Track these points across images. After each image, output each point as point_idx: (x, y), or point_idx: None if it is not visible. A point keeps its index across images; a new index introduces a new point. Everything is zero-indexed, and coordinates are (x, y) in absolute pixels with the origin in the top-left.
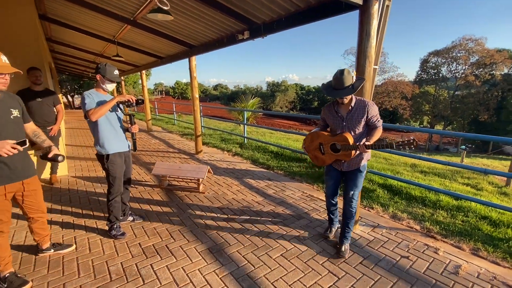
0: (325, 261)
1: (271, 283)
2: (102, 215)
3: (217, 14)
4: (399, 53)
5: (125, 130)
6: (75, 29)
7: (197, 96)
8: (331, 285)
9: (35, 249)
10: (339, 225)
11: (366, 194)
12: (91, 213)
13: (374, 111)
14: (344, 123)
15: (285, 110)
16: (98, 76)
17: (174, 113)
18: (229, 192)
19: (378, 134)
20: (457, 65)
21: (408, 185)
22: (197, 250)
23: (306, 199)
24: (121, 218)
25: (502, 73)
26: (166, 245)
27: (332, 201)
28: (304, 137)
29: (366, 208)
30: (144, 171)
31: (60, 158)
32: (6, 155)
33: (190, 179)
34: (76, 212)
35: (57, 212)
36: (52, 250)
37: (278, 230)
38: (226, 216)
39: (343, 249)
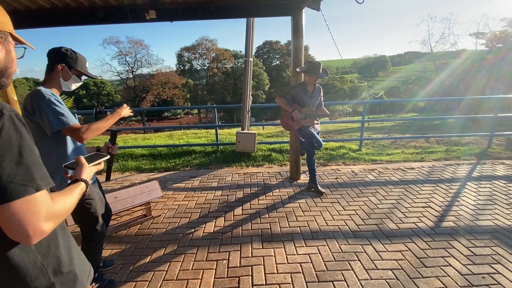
0: (321, 198)
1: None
2: None
3: None
4: (162, 45)
5: (97, 149)
6: None
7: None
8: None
9: None
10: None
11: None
12: None
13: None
14: (311, 99)
15: None
16: (60, 66)
17: None
18: (186, 205)
19: (324, 108)
20: (204, 60)
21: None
22: None
23: (259, 176)
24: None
25: (231, 66)
26: None
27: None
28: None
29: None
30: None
31: None
32: None
33: (138, 207)
34: None
35: None
36: None
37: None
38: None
39: (320, 188)
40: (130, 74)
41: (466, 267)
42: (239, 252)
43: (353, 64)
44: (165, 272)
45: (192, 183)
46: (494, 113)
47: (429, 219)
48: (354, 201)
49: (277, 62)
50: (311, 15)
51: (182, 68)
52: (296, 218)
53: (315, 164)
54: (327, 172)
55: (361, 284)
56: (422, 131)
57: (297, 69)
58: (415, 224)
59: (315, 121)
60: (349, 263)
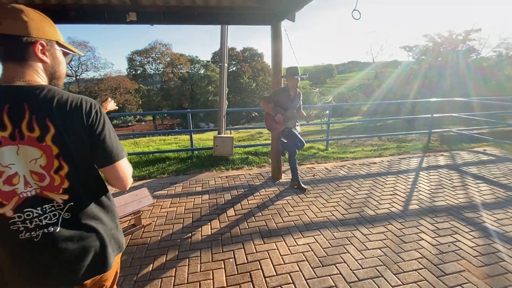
0: (305, 194)
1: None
2: None
3: None
4: (110, 48)
5: None
6: None
7: None
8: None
9: None
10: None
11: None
12: None
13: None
14: (292, 103)
15: None
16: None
17: None
18: (175, 211)
19: (302, 111)
20: (158, 64)
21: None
22: None
23: (241, 178)
24: None
25: (187, 71)
26: None
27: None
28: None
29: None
30: None
31: None
32: None
33: (126, 216)
34: None
35: None
36: None
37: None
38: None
39: (303, 185)
40: (74, 78)
41: (434, 239)
42: (242, 249)
43: (304, 71)
44: (173, 277)
45: (175, 189)
46: (431, 113)
47: (398, 204)
48: (334, 194)
49: (234, 68)
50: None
51: (133, 72)
52: (287, 213)
53: (296, 163)
54: (304, 171)
55: (359, 264)
56: (373, 131)
57: (280, 77)
58: (389, 209)
59: (296, 123)
60: (344, 247)
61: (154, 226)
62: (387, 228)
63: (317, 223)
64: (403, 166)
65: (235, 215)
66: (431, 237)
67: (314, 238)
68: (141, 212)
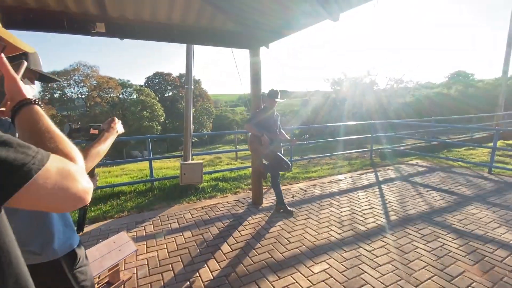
0: (294, 217)
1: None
2: None
3: None
4: None
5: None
6: None
7: None
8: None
9: None
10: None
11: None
12: None
13: None
14: (275, 123)
15: None
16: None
17: None
18: (158, 256)
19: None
20: (81, 87)
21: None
22: None
23: (220, 208)
24: None
25: (118, 96)
26: None
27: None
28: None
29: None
30: None
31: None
32: None
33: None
34: None
35: None
36: None
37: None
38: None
39: (289, 208)
40: None
41: (427, 246)
42: None
43: (239, 98)
44: None
45: (145, 229)
46: (371, 133)
47: (380, 217)
48: (321, 214)
49: (170, 94)
50: (199, 51)
51: (49, 96)
52: (287, 240)
53: (280, 185)
54: None
55: (381, 282)
56: (323, 151)
57: (263, 93)
58: (375, 223)
59: (281, 145)
60: (359, 268)
61: (137, 279)
62: (384, 242)
63: (321, 247)
64: (365, 181)
65: (232, 250)
66: (423, 244)
67: (327, 263)
68: (118, 265)
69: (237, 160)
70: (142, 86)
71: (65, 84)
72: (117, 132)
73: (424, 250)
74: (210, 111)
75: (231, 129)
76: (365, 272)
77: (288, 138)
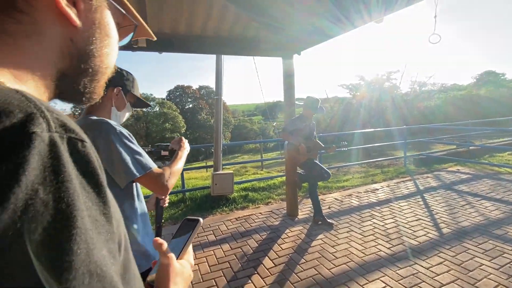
0: (335, 230)
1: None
2: None
3: None
4: None
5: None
6: None
7: None
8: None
9: None
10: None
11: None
12: None
13: None
14: (312, 132)
15: None
16: (116, 90)
17: None
18: (199, 270)
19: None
20: None
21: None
22: None
23: (255, 219)
24: None
25: (143, 109)
26: None
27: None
28: None
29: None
30: None
31: None
32: None
33: None
34: None
35: None
36: None
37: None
38: None
39: (328, 220)
40: None
41: (492, 262)
42: None
43: (256, 107)
44: None
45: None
46: (404, 139)
47: (431, 230)
48: (364, 226)
49: (190, 105)
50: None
51: (79, 110)
52: (333, 255)
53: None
54: None
55: None
56: (353, 159)
57: (297, 102)
58: (427, 236)
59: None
60: (419, 287)
61: None
62: (442, 257)
63: (371, 263)
64: (405, 190)
65: (275, 265)
66: (487, 260)
67: (382, 281)
68: None
69: (262, 169)
70: (164, 99)
71: None
72: (187, 151)
73: (491, 267)
74: (228, 121)
75: (249, 138)
76: None
77: (323, 146)
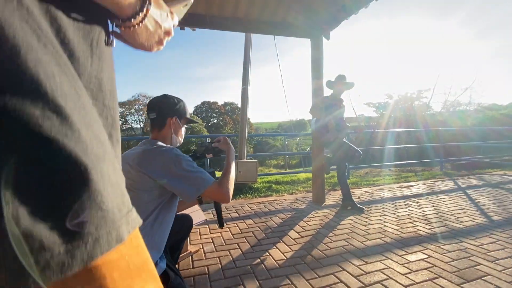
0: (366, 214)
1: None
2: None
3: None
4: None
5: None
6: None
7: None
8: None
9: None
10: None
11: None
12: None
13: None
14: (342, 112)
15: None
16: (173, 119)
17: None
18: (222, 237)
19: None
20: (140, 115)
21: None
22: None
23: (279, 204)
24: None
25: None
26: None
27: None
28: None
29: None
30: None
31: None
32: None
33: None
34: None
35: None
36: None
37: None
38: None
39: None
40: None
41: None
42: (345, 271)
43: (279, 126)
44: None
45: (206, 217)
46: (440, 143)
47: (477, 217)
48: (398, 212)
49: (215, 121)
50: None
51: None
52: (365, 231)
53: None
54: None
55: (508, 274)
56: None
57: (320, 81)
58: (473, 221)
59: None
60: (469, 259)
61: (204, 253)
62: (494, 238)
63: (410, 239)
64: (443, 187)
65: (301, 237)
66: None
67: (423, 253)
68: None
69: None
70: (191, 114)
71: (127, 113)
72: (233, 151)
73: None
74: (251, 136)
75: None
76: (480, 264)
77: (350, 126)
